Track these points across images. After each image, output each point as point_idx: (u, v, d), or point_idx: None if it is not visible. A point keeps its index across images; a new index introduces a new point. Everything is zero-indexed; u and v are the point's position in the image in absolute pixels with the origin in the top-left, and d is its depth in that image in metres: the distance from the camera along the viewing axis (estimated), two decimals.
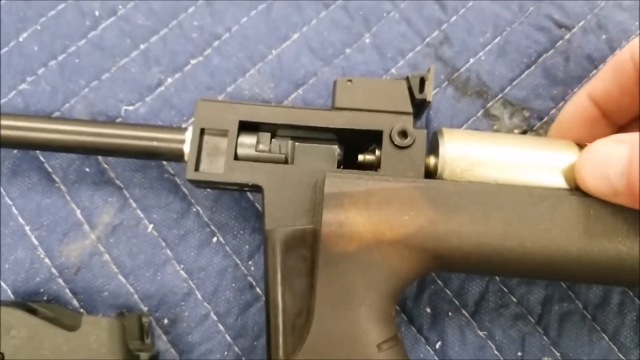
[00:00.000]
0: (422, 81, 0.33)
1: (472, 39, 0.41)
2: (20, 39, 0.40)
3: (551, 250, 0.29)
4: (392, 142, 0.32)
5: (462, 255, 0.30)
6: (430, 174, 0.32)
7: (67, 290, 0.37)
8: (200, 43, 0.40)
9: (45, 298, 0.37)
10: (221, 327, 0.36)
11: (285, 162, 0.33)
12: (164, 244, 0.37)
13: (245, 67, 0.40)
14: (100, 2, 0.41)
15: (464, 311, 0.37)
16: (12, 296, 0.37)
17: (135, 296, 0.37)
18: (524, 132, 0.39)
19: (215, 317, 0.37)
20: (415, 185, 0.30)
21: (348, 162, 0.34)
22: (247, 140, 0.33)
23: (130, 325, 0.35)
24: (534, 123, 0.39)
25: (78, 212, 0.38)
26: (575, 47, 0.41)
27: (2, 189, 0.38)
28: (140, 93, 0.40)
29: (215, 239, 0.38)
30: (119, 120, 0.39)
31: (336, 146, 0.34)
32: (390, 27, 0.41)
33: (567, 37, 0.41)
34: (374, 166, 0.33)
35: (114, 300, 0.37)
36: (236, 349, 0.36)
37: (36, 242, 0.37)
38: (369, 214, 0.30)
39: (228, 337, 0.36)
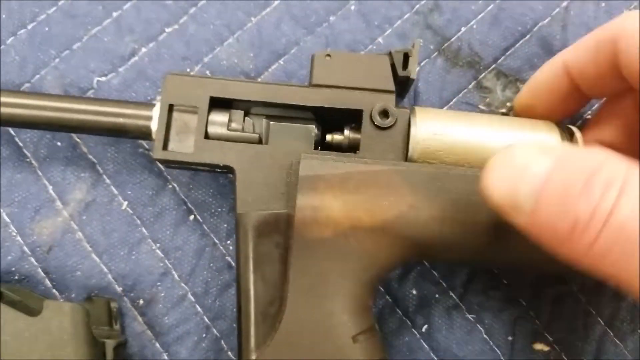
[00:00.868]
0: (406, 57, 0.31)
1: (463, 6, 0.38)
2: None
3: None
4: (373, 122, 0.30)
5: (443, 243, 0.28)
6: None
7: (39, 270, 0.35)
8: (176, 10, 0.38)
9: (16, 277, 0.35)
10: (199, 309, 0.35)
11: (259, 142, 0.31)
12: (138, 222, 0.35)
13: (223, 35, 0.37)
14: None
15: (451, 293, 0.35)
16: None
17: (109, 276, 0.35)
18: None
19: (192, 298, 0.35)
20: (395, 169, 0.28)
21: (326, 143, 0.32)
22: (219, 118, 0.31)
23: (98, 310, 0.33)
24: None
25: (50, 188, 0.36)
26: (573, 16, 0.38)
27: None
28: (112, 63, 0.37)
29: (192, 217, 0.35)
30: (90, 92, 0.37)
31: (313, 126, 0.31)
32: None
33: (564, 4, 0.38)
34: (351, 148, 0.31)
35: (87, 280, 0.35)
36: (214, 331, 0.34)
37: (7, 220, 0.35)
38: (345, 199, 0.28)
39: (206, 319, 0.34)
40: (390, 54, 0.31)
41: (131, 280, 0.35)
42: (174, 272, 0.35)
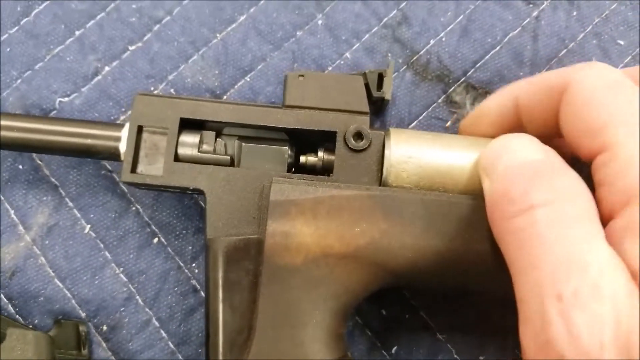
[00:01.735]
0: (380, 77, 0.30)
1: (432, 18, 0.36)
2: None
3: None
4: (347, 144, 0.29)
5: (417, 271, 0.26)
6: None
7: (2, 296, 0.34)
8: (139, 27, 0.36)
9: None
10: (164, 334, 0.33)
11: (231, 164, 0.29)
12: (102, 245, 0.34)
13: (188, 52, 0.36)
14: None
15: (421, 313, 0.33)
16: None
17: (73, 301, 0.33)
18: None
19: (157, 324, 0.33)
20: (368, 194, 0.27)
21: (301, 164, 0.30)
22: (190, 139, 0.30)
23: (66, 334, 0.32)
24: None
25: (12, 212, 0.34)
26: (544, 25, 0.36)
27: None
28: (75, 83, 0.36)
29: (156, 240, 0.34)
30: (53, 113, 0.35)
31: (286, 147, 0.30)
32: (344, 7, 0.37)
33: (535, 14, 0.36)
34: (325, 170, 0.29)
35: (50, 306, 0.33)
36: (180, 357, 0.33)
37: None
38: (317, 225, 0.27)
39: (171, 344, 0.33)
40: (364, 75, 0.30)
41: (95, 305, 0.33)
42: (137, 297, 0.33)
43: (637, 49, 0.36)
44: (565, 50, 0.36)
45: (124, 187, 0.35)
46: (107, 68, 0.36)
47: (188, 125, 0.30)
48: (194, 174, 0.29)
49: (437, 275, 0.27)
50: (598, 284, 0.20)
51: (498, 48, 0.36)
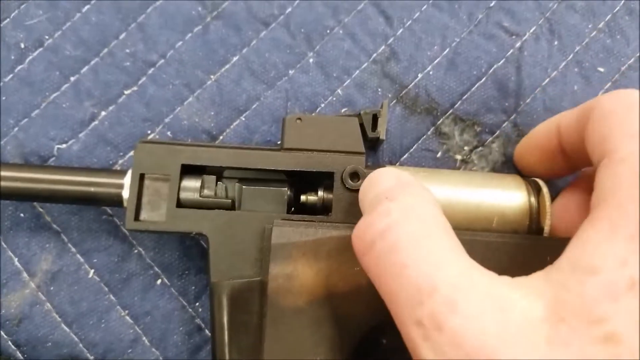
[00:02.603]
0: (375, 118, 0.31)
1: (419, 52, 0.37)
2: None
3: None
4: (344, 184, 0.29)
5: None
6: None
7: (10, 343, 0.34)
8: (134, 71, 0.36)
9: None
10: None
11: (232, 207, 0.30)
12: (106, 289, 0.34)
13: (183, 95, 0.36)
14: (25, 34, 0.37)
15: None
16: None
17: (80, 345, 0.34)
18: (475, 148, 0.36)
19: None
20: None
21: (300, 203, 0.31)
22: (191, 184, 0.30)
23: None
24: (486, 138, 0.36)
25: (15, 260, 0.34)
26: (527, 56, 0.37)
27: None
28: (72, 129, 0.36)
29: (159, 281, 0.34)
30: (51, 160, 0.35)
31: (286, 188, 0.31)
32: (335, 44, 0.37)
33: (518, 45, 0.37)
34: (324, 209, 0.30)
35: (58, 351, 0.34)
36: None
37: None
38: (319, 266, 0.27)
39: None
40: (359, 116, 0.31)
41: (102, 348, 0.34)
42: (144, 338, 0.34)
43: (617, 75, 0.37)
44: (548, 79, 0.37)
45: (125, 231, 0.35)
46: (103, 113, 0.36)
47: (189, 170, 0.30)
48: (197, 218, 0.29)
49: None
50: (453, 301, 0.20)
51: (483, 80, 0.37)
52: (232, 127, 0.36)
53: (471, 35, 0.37)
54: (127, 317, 0.34)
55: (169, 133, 0.36)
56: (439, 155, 0.36)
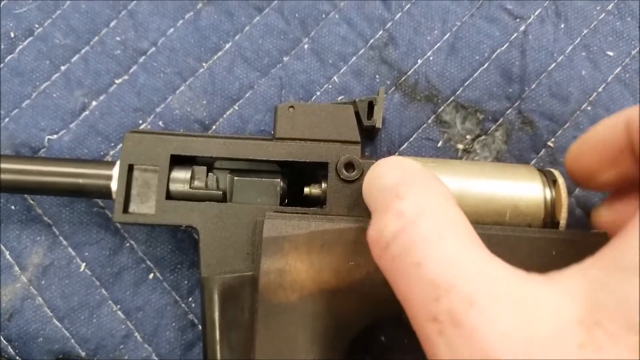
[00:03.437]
0: (371, 106, 0.30)
1: (419, 37, 0.35)
2: None
3: None
4: (338, 175, 0.28)
5: None
6: None
7: (1, 338, 0.33)
8: (125, 60, 0.35)
9: None
10: None
11: (223, 199, 0.29)
12: (98, 283, 0.33)
13: (175, 83, 0.35)
14: (15, 22, 0.36)
15: None
16: None
17: (72, 341, 0.33)
18: (477, 137, 0.34)
19: (157, 359, 0.33)
20: (361, 227, 0.26)
21: (294, 194, 0.30)
22: (181, 175, 0.29)
23: None
24: (489, 126, 0.34)
25: (7, 253, 0.34)
26: (532, 40, 0.35)
27: None
28: (63, 120, 0.35)
29: (151, 275, 0.33)
30: (42, 151, 0.34)
31: (279, 180, 0.29)
32: (330, 30, 0.35)
33: (522, 28, 0.35)
34: (320, 200, 0.29)
35: (50, 346, 0.33)
36: None
37: None
38: (312, 260, 0.26)
39: None
40: (354, 103, 0.30)
41: (94, 344, 0.33)
42: (136, 334, 0.33)
43: (627, 59, 0.35)
44: (554, 64, 0.35)
45: (116, 224, 0.34)
46: (94, 103, 0.35)
47: (179, 160, 0.29)
48: (187, 211, 0.28)
49: None
50: (472, 298, 0.19)
51: (486, 65, 0.35)
52: (225, 116, 0.35)
53: (473, 18, 0.35)
54: (119, 312, 0.33)
55: (160, 123, 0.35)
56: (439, 144, 0.34)
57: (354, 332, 0.27)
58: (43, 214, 0.34)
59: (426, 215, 0.21)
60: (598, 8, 0.36)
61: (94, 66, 0.35)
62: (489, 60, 0.35)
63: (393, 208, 0.22)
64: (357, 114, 0.30)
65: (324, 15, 0.36)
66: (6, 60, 0.35)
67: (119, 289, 0.33)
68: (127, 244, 0.34)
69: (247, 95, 0.35)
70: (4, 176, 0.30)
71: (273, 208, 0.28)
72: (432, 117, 0.35)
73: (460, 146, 0.34)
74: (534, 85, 0.35)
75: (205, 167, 0.29)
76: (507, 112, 0.34)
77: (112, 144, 0.34)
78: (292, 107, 0.29)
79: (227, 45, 0.35)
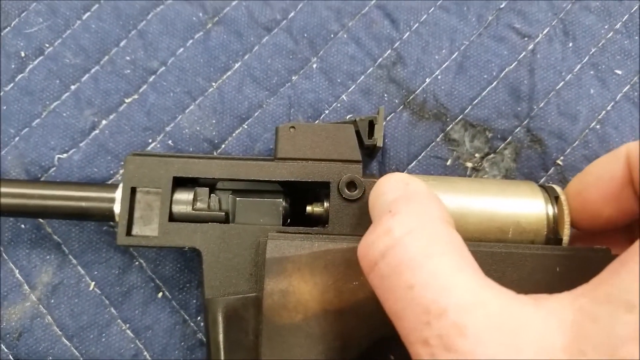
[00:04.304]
0: (371, 125, 0.30)
1: (427, 56, 0.35)
2: None
3: None
4: (340, 194, 0.28)
5: None
6: None
7: (11, 357, 0.33)
8: (134, 79, 0.35)
9: None
10: None
11: (226, 220, 0.29)
12: (107, 302, 0.33)
13: (184, 102, 0.35)
14: (25, 42, 0.36)
15: None
16: None
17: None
18: (486, 155, 0.34)
19: None
20: None
21: (296, 213, 0.29)
22: (183, 197, 0.29)
23: None
24: (497, 144, 0.34)
25: (16, 272, 0.33)
26: (540, 58, 0.35)
27: None
28: (73, 139, 0.35)
29: (160, 294, 0.33)
30: (52, 170, 0.34)
31: (281, 199, 0.29)
32: (339, 49, 0.35)
33: (530, 47, 0.35)
34: (322, 220, 0.28)
35: None
36: None
37: None
38: (315, 281, 0.26)
39: None
40: (355, 123, 0.30)
41: None
42: (145, 353, 0.33)
43: (636, 77, 0.35)
44: (562, 83, 0.35)
45: None
46: (104, 122, 0.35)
47: (181, 182, 0.29)
48: (189, 233, 0.28)
49: None
50: (462, 324, 0.19)
51: (494, 84, 0.35)
52: (234, 135, 0.35)
53: (481, 37, 0.35)
54: (128, 331, 0.33)
55: (170, 142, 0.34)
56: (448, 162, 0.34)
57: (359, 352, 0.27)
58: (52, 232, 0.34)
59: (414, 235, 0.21)
60: (606, 27, 0.35)
61: (103, 85, 0.35)
62: (497, 79, 0.35)
63: (384, 224, 0.22)
64: (357, 133, 0.30)
65: (332, 35, 0.35)
66: (16, 79, 0.35)
67: (128, 307, 0.33)
68: (136, 263, 0.33)
69: (256, 114, 0.35)
70: (8, 200, 0.30)
71: (276, 228, 0.28)
72: (440, 136, 0.34)
73: (469, 164, 0.34)
74: (542, 104, 0.35)
75: (207, 189, 0.29)
76: (516, 130, 0.34)
77: (122, 163, 0.34)
78: (293, 127, 0.29)
79: (237, 65, 0.35)
